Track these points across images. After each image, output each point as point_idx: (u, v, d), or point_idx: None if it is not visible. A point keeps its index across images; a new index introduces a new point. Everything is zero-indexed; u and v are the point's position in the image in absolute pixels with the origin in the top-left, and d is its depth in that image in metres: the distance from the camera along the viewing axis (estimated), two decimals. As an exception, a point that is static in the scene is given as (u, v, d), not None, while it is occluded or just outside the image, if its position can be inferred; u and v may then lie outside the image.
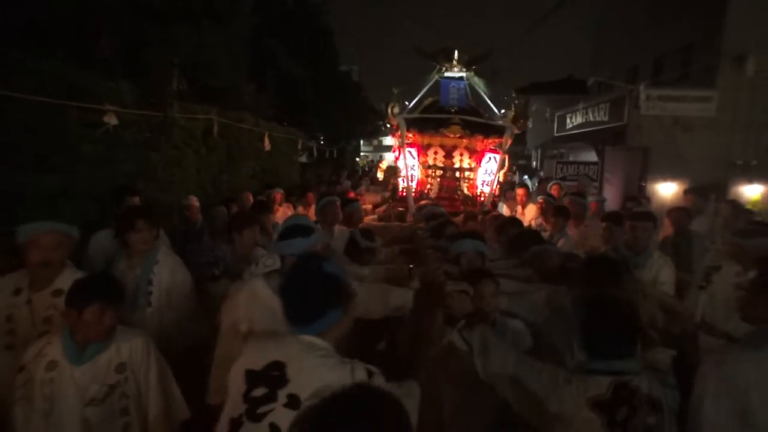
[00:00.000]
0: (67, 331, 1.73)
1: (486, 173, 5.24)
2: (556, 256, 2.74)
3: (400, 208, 5.04)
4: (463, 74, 5.29)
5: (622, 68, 13.58)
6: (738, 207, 5.14)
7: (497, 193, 5.62)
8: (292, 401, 1.24)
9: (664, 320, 2.38)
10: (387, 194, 6.27)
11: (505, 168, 5.59)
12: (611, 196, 10.28)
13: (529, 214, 5.54)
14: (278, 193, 5.56)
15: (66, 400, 1.69)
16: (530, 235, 3.25)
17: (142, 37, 5.06)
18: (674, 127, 10.22)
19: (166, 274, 2.52)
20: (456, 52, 5.28)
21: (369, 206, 5.51)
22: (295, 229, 1.99)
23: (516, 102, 5.43)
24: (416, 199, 5.06)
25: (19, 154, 3.55)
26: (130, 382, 1.79)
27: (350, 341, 1.90)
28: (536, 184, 10.45)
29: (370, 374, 1.32)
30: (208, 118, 5.94)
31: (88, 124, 4.10)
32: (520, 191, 6.06)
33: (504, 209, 5.98)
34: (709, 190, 9.07)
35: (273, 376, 1.28)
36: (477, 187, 5.31)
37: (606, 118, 11.38)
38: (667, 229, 4.39)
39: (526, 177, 13.58)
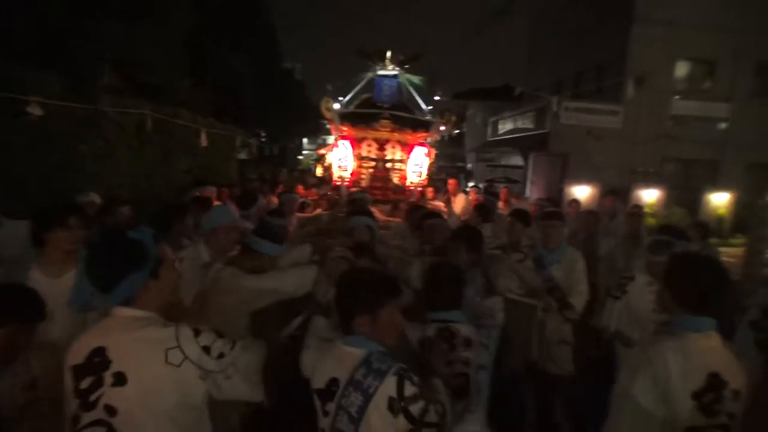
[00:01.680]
0: None
1: (414, 165, 5.60)
2: (445, 230, 3.03)
3: (336, 196, 5.31)
4: (396, 72, 5.65)
5: (549, 80, 14.90)
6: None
7: (425, 183, 5.98)
8: (119, 379, 1.28)
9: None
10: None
11: (431, 160, 5.93)
12: (536, 197, 11.31)
13: (459, 203, 6.51)
14: (209, 191, 5.53)
15: None
16: (429, 214, 3.57)
17: (70, 29, 5.02)
18: (588, 136, 11.43)
19: None
20: (389, 53, 5.64)
21: (315, 197, 5.94)
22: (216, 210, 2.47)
23: (440, 98, 5.98)
24: (349, 188, 5.34)
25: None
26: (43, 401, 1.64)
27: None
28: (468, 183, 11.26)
29: (197, 333, 1.35)
30: (140, 112, 5.97)
31: (12, 113, 4.10)
32: (451, 182, 6.88)
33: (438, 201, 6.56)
34: (617, 194, 10.39)
35: (95, 362, 1.29)
36: (406, 178, 5.67)
37: (532, 126, 12.46)
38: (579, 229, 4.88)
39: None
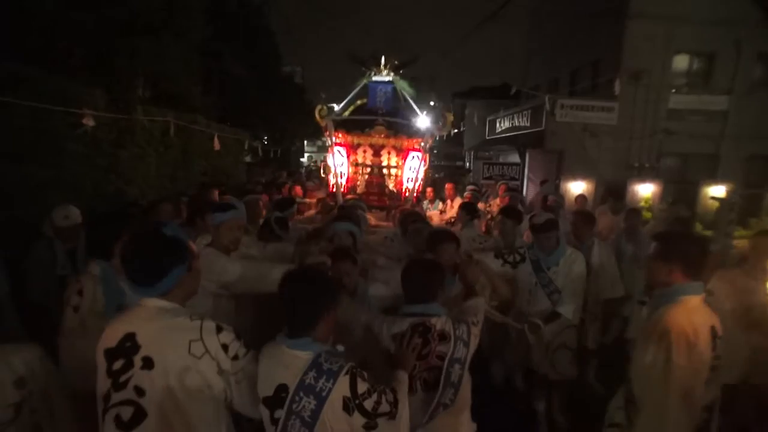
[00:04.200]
0: None
1: (410, 170, 5.81)
2: (426, 236, 3.04)
3: (332, 203, 5.45)
4: (390, 78, 5.80)
5: (546, 78, 15.72)
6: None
7: (420, 189, 6.13)
8: (147, 363, 1.45)
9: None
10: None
11: (426, 166, 6.07)
12: (533, 193, 12.12)
13: (456, 206, 5.92)
14: (215, 191, 5.83)
15: None
16: (417, 219, 3.82)
17: (111, 48, 6.04)
18: (583, 133, 12.10)
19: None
20: (384, 58, 5.78)
21: (314, 200, 6.08)
22: (218, 206, 2.60)
23: (434, 105, 6.41)
24: (345, 195, 5.57)
25: (18, 150, 4.52)
26: (35, 395, 1.70)
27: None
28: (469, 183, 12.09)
29: (219, 329, 1.51)
30: (166, 120, 6.97)
31: (70, 125, 5.08)
32: (448, 186, 7.08)
33: (439, 205, 6.95)
34: (611, 190, 11.19)
35: (126, 347, 1.46)
36: (402, 184, 5.87)
37: (528, 124, 13.30)
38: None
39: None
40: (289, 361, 1.51)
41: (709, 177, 12.47)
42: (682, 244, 1.91)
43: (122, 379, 1.45)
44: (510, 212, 3.93)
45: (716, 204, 12.48)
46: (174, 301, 1.54)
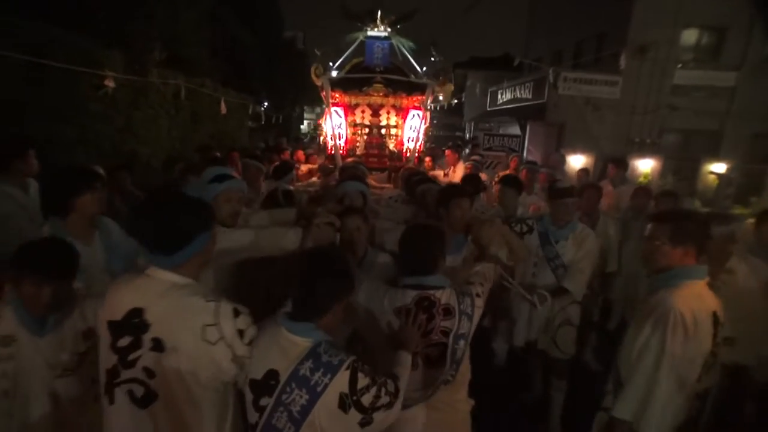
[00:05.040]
0: (18, 301, 1.65)
1: (411, 129, 5.65)
2: (437, 193, 2.95)
3: (331, 166, 5.36)
4: (387, 34, 5.58)
5: (550, 50, 15.76)
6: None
7: (421, 149, 5.97)
8: (157, 345, 1.35)
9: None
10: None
11: (427, 124, 5.91)
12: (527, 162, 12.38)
13: (458, 174, 6.21)
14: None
15: (32, 374, 1.66)
16: (424, 179, 3.59)
17: (129, 11, 6.31)
18: (586, 107, 12.25)
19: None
20: (380, 13, 5.53)
21: (315, 167, 5.94)
22: (225, 174, 2.23)
23: (435, 59, 5.65)
24: (344, 157, 5.44)
25: (50, 109, 4.89)
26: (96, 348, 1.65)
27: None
28: (467, 150, 12.41)
29: (236, 313, 1.39)
30: (176, 83, 7.28)
31: (94, 86, 5.43)
32: (448, 152, 6.94)
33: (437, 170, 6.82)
34: (616, 161, 11.47)
35: (133, 323, 1.36)
36: (403, 144, 5.74)
37: (530, 96, 13.51)
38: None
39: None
40: (285, 346, 1.41)
41: (711, 154, 12.64)
42: (683, 225, 1.82)
43: (131, 357, 1.37)
44: (510, 181, 3.87)
45: (716, 180, 12.93)
46: (188, 275, 1.42)
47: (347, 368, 1.38)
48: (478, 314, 1.91)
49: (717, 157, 12.50)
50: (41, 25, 4.77)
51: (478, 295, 1.93)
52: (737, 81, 12.30)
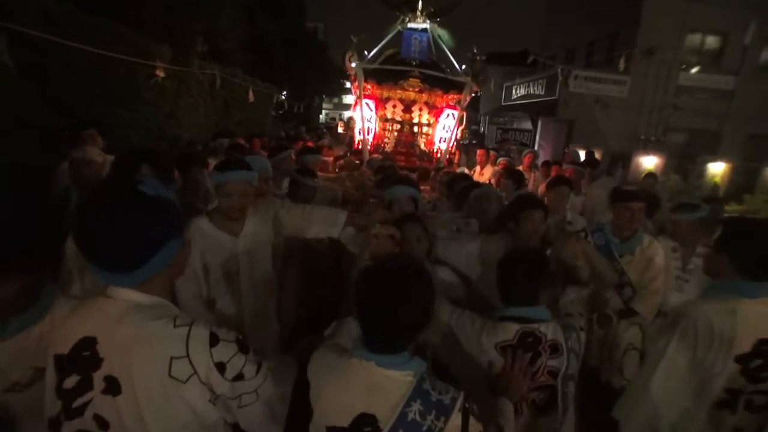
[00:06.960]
0: None
1: (444, 129, 5.34)
2: (495, 200, 2.73)
3: (357, 161, 5.11)
4: (427, 26, 5.28)
5: (564, 48, 16.17)
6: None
7: (453, 150, 5.59)
8: (111, 386, 1.03)
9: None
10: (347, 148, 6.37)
11: (463, 125, 5.61)
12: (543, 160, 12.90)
13: (487, 174, 5.86)
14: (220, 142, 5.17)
15: None
16: (475, 184, 3.19)
17: (174, 6, 6.97)
18: (595, 104, 12.73)
19: None
20: (420, 2, 5.26)
21: (331, 159, 5.61)
22: (229, 162, 2.03)
23: (477, 58, 5.34)
24: (371, 152, 5.25)
25: (113, 95, 5.58)
26: None
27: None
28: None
29: (214, 341, 1.07)
30: (213, 73, 7.94)
31: (147, 75, 6.10)
32: (480, 152, 6.29)
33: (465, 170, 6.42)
34: (617, 159, 12.00)
35: (83, 357, 1.04)
36: (434, 144, 5.42)
37: (542, 92, 13.95)
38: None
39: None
40: (379, 384, 1.14)
41: (710, 153, 12.98)
42: (760, 236, 1.58)
43: (77, 403, 1.05)
44: (563, 180, 3.54)
45: (716, 179, 13.34)
46: (155, 291, 1.10)
47: (459, 409, 1.14)
48: (582, 350, 1.69)
49: (716, 155, 12.91)
50: (105, 21, 5.43)
51: (581, 329, 1.72)
52: (736, 85, 12.84)
